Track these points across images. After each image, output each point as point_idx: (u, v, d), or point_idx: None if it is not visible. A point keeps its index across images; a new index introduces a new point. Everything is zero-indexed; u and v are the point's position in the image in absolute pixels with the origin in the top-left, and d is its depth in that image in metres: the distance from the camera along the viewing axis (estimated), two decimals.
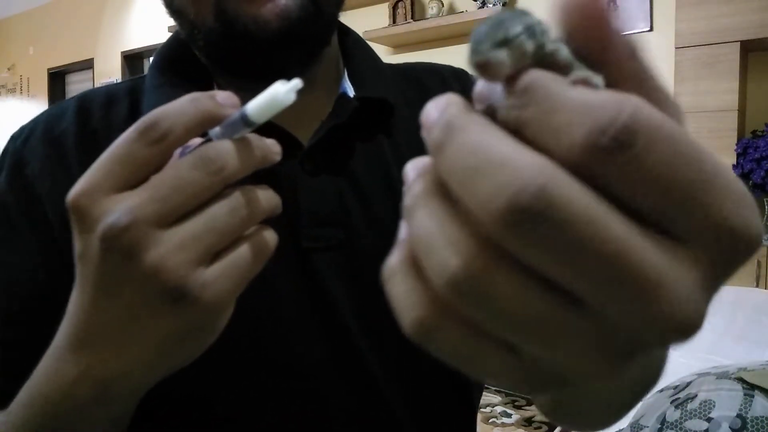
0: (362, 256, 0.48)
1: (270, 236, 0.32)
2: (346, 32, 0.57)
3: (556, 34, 0.17)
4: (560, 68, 0.17)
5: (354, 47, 0.56)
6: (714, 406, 0.83)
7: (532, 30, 0.17)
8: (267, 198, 0.32)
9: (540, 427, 2.31)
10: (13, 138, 0.50)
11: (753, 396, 0.81)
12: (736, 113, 2.36)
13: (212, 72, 0.51)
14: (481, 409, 2.39)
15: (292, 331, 0.46)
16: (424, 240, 0.17)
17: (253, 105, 0.28)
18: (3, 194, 0.47)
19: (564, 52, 0.17)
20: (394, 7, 3.39)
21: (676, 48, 2.46)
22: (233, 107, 0.30)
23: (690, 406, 0.86)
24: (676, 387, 0.95)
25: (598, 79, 0.17)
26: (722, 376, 0.89)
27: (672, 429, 0.85)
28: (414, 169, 0.19)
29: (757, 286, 2.26)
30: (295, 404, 0.46)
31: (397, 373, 0.49)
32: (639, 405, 0.98)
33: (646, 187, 0.15)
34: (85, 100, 0.51)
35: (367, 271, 0.46)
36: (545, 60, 0.17)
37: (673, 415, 0.87)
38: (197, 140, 0.30)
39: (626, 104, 0.15)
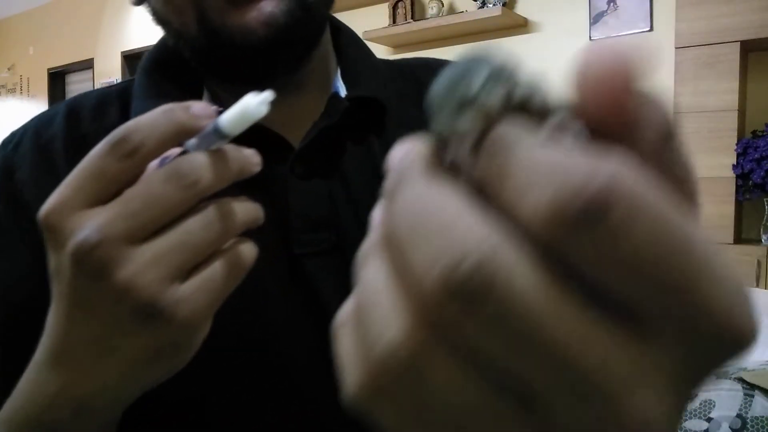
0: (354, 259, 0.47)
1: (248, 250, 0.31)
2: (338, 28, 0.56)
3: (527, 75, 0.15)
4: (536, 115, 0.15)
5: (347, 44, 0.55)
6: (714, 406, 0.83)
7: (496, 78, 0.15)
8: (245, 210, 0.31)
9: None
10: (4, 144, 0.50)
11: (753, 396, 0.81)
12: (736, 113, 2.36)
13: (202, 75, 0.50)
14: None
15: (284, 336, 0.46)
16: (367, 298, 0.16)
17: (226, 117, 0.27)
18: None
19: (538, 97, 0.15)
20: (394, 7, 3.39)
21: (676, 48, 2.46)
22: (208, 118, 0.29)
23: (690, 406, 0.86)
24: None
25: (576, 126, 0.14)
26: (722, 376, 0.89)
27: None
28: (377, 213, 0.17)
29: (757, 286, 2.26)
30: (287, 408, 0.46)
31: None
32: None
33: (617, 272, 0.13)
34: (75, 105, 0.51)
35: None
36: (518, 108, 0.15)
37: None
38: (177, 150, 0.29)
39: (602, 169, 0.13)
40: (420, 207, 0.14)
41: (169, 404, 0.43)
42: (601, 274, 0.13)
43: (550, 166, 0.13)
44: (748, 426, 0.79)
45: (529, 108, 0.15)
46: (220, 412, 0.45)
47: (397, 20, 3.38)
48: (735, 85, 2.35)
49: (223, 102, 0.49)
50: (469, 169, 0.15)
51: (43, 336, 0.31)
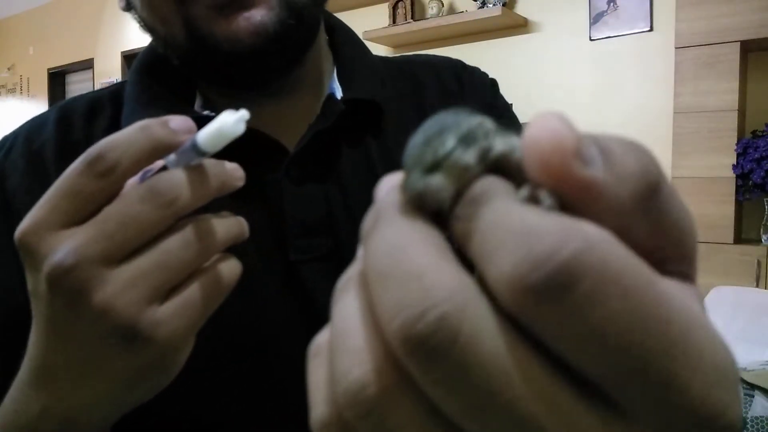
0: (350, 264, 0.46)
1: (231, 268, 0.30)
2: (333, 27, 0.55)
3: (505, 135, 0.15)
4: (514, 175, 0.14)
5: (343, 43, 0.54)
6: None
7: (471, 137, 0.14)
8: (226, 227, 0.30)
9: None
10: None
11: (753, 396, 0.81)
12: (736, 113, 2.36)
13: (194, 78, 0.50)
14: None
15: (280, 342, 0.45)
16: (339, 333, 0.15)
17: (203, 135, 0.27)
18: None
19: (516, 157, 0.15)
20: (394, 7, 3.39)
21: (676, 48, 2.46)
22: (188, 133, 0.28)
23: None
24: None
25: (545, 196, 0.14)
26: None
27: None
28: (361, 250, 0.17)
29: (757, 286, 2.26)
30: (283, 415, 0.46)
31: None
32: None
33: (582, 348, 0.12)
34: (67, 109, 0.50)
35: None
36: (493, 168, 0.15)
37: None
38: (159, 163, 0.28)
39: (574, 235, 0.12)
40: (393, 250, 0.14)
41: (164, 413, 0.42)
42: (565, 349, 0.12)
43: (518, 229, 0.12)
44: (748, 426, 0.79)
45: (506, 168, 0.15)
46: (217, 419, 0.45)
47: (397, 20, 3.38)
48: (735, 85, 2.35)
49: (216, 104, 0.49)
50: (451, 219, 0.15)
51: (26, 355, 0.31)
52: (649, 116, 2.69)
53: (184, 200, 0.27)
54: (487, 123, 0.15)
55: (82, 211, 0.27)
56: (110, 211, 0.27)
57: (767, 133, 2.37)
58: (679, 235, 0.15)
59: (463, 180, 0.14)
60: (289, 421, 0.46)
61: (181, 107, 0.45)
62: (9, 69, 6.14)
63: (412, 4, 3.36)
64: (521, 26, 3.10)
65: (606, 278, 0.12)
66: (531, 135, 0.13)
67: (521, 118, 0.56)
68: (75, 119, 0.49)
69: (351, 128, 0.49)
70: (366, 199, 0.56)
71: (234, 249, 0.31)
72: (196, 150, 0.27)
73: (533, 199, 0.14)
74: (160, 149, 0.28)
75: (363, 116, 0.50)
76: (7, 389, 0.33)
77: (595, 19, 2.88)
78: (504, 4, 3.02)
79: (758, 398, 0.81)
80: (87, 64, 5.42)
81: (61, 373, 0.29)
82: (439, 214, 0.15)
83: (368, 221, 0.16)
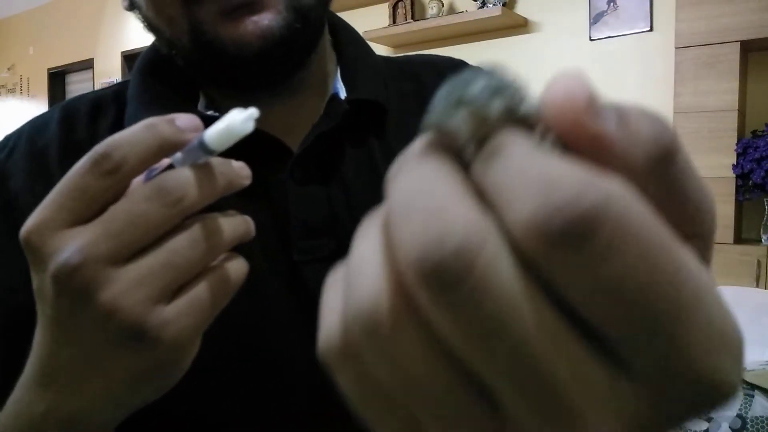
0: None
1: (237, 267, 0.30)
2: (337, 27, 0.55)
3: (534, 99, 0.15)
4: (536, 132, 0.15)
5: (346, 44, 0.54)
6: None
7: (498, 90, 0.15)
8: (233, 226, 0.30)
9: None
10: None
11: (753, 396, 0.81)
12: (736, 113, 2.36)
13: (198, 78, 0.49)
14: None
15: (284, 343, 0.45)
16: (356, 263, 0.16)
17: (210, 133, 0.26)
18: None
19: (538, 114, 0.15)
20: (394, 7, 3.39)
21: (676, 48, 2.46)
22: (194, 131, 0.28)
23: None
24: None
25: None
26: None
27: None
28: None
29: (757, 286, 2.26)
30: (286, 418, 0.46)
31: None
32: None
33: (594, 299, 0.13)
34: (70, 109, 0.50)
35: None
36: (520, 122, 0.15)
37: None
38: (166, 161, 0.28)
39: (596, 186, 0.12)
40: (415, 187, 0.14)
41: (167, 412, 0.42)
42: (577, 298, 0.13)
43: (541, 175, 0.13)
44: (748, 426, 0.79)
45: (531, 125, 0.15)
46: (220, 419, 0.45)
47: (397, 20, 3.38)
48: (735, 85, 2.35)
49: (219, 104, 0.49)
50: (472, 166, 0.15)
51: (30, 355, 0.30)
52: None
53: (191, 199, 0.27)
54: (517, 83, 0.15)
55: (88, 209, 0.27)
56: (117, 210, 0.26)
57: (767, 133, 2.37)
58: (694, 211, 0.15)
59: (484, 127, 0.15)
60: (293, 421, 0.46)
61: (185, 107, 0.45)
62: (9, 69, 6.14)
63: (412, 4, 3.36)
64: (521, 26, 3.10)
65: (624, 232, 0.12)
66: (549, 89, 0.14)
67: None
68: (78, 119, 0.49)
69: (354, 129, 0.49)
70: (369, 200, 0.57)
71: (238, 249, 0.31)
72: (204, 148, 0.27)
73: (557, 153, 0.14)
74: (167, 147, 0.27)
75: (366, 117, 0.50)
76: (8, 389, 0.33)
77: (595, 19, 2.89)
78: (504, 4, 3.02)
79: (758, 398, 0.81)
80: (87, 64, 5.42)
81: (66, 373, 0.29)
82: (462, 159, 0.15)
83: (394, 168, 0.16)
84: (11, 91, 6.14)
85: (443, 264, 0.13)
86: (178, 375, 0.30)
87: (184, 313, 0.27)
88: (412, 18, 3.33)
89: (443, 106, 0.15)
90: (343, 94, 0.50)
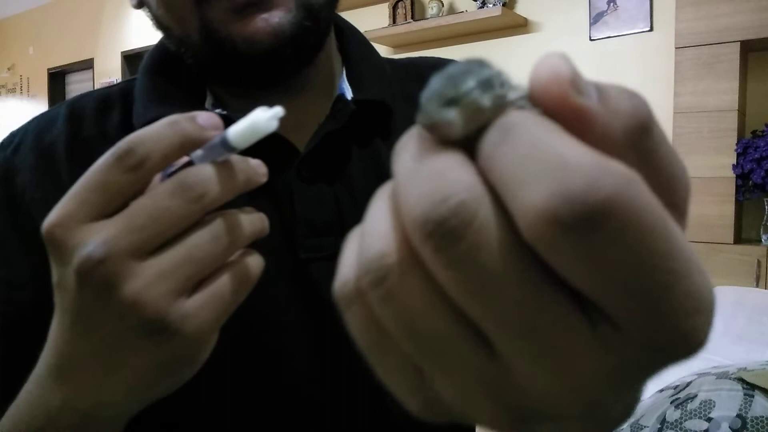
0: None
1: (255, 262, 0.31)
2: (342, 28, 0.55)
3: (521, 87, 0.16)
4: None
5: (352, 45, 0.55)
6: (714, 406, 0.83)
7: (488, 83, 0.15)
8: (251, 222, 0.30)
9: None
10: (3, 146, 0.49)
11: (753, 396, 0.81)
12: (736, 113, 2.36)
13: (205, 77, 0.50)
14: None
15: (289, 340, 0.46)
16: (369, 222, 0.17)
17: (234, 131, 0.27)
18: None
19: (526, 102, 0.16)
20: (394, 7, 3.39)
21: (676, 48, 2.46)
22: (215, 129, 0.28)
23: (690, 406, 0.86)
24: (675, 387, 0.95)
25: None
26: (722, 376, 0.89)
27: (672, 429, 0.85)
28: None
29: (757, 286, 2.26)
30: (292, 416, 0.46)
31: None
32: (639, 405, 0.98)
33: (593, 277, 0.13)
34: (77, 106, 0.50)
35: None
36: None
37: (673, 415, 0.87)
38: (184, 159, 0.28)
39: (610, 173, 0.13)
40: (418, 156, 0.16)
41: (175, 409, 0.43)
42: (574, 276, 0.14)
43: (552, 160, 0.13)
44: (748, 426, 0.79)
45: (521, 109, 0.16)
46: (224, 414, 0.45)
47: (397, 20, 3.38)
48: (735, 85, 2.35)
49: (226, 104, 0.49)
50: (479, 145, 0.15)
51: (45, 349, 0.30)
52: None
53: (213, 195, 0.27)
54: (503, 74, 0.16)
55: (110, 204, 0.27)
56: (140, 205, 0.27)
57: (767, 133, 2.37)
58: (669, 180, 0.16)
59: (476, 120, 0.15)
60: (297, 415, 0.46)
61: (193, 105, 0.45)
62: (9, 69, 6.14)
63: (412, 4, 3.36)
64: (521, 26, 3.10)
65: (633, 218, 0.13)
66: (536, 68, 0.15)
67: None
68: (85, 116, 0.49)
69: (360, 129, 0.50)
70: None
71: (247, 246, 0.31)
72: (226, 146, 0.27)
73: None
74: (188, 144, 0.28)
75: (372, 117, 0.50)
76: (12, 383, 0.33)
77: (595, 19, 2.88)
78: (504, 4, 3.02)
79: (758, 398, 0.81)
80: (87, 64, 5.42)
81: (86, 366, 0.29)
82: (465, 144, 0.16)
83: (399, 144, 0.17)
84: (11, 91, 6.14)
85: (446, 219, 0.14)
86: (195, 368, 0.31)
87: (204, 306, 0.28)
88: (412, 18, 3.33)
89: (435, 101, 0.15)
90: (349, 95, 0.51)
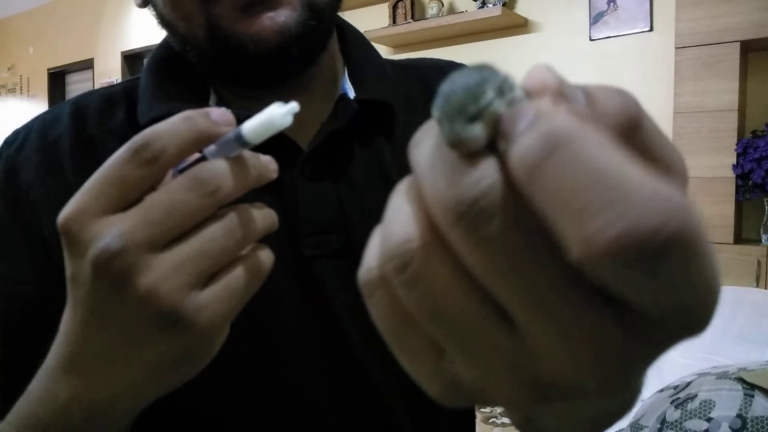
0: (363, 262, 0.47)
1: (266, 256, 0.31)
2: (343, 29, 0.56)
3: (519, 87, 0.16)
4: None
5: (354, 46, 0.55)
6: (714, 406, 0.83)
7: (502, 90, 0.15)
8: (263, 216, 0.31)
9: None
10: (7, 143, 0.49)
11: (753, 396, 0.81)
12: (736, 113, 2.36)
13: (209, 76, 0.50)
14: (481, 409, 2.39)
15: (293, 336, 0.46)
16: (393, 212, 0.18)
17: (249, 126, 0.27)
18: None
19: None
20: (394, 7, 3.39)
21: (676, 48, 2.46)
22: (228, 125, 0.29)
23: (690, 406, 0.86)
24: (676, 387, 0.95)
25: None
26: (722, 376, 0.89)
27: (672, 429, 0.85)
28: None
29: (757, 286, 2.26)
30: (293, 415, 0.46)
31: (397, 379, 0.48)
32: (638, 405, 0.98)
33: (635, 294, 0.14)
34: (81, 104, 0.50)
35: None
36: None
37: (673, 415, 0.87)
38: (195, 155, 0.29)
39: (676, 209, 0.13)
40: (442, 147, 0.16)
41: (180, 407, 0.43)
42: (614, 290, 0.14)
43: (616, 187, 0.13)
44: (748, 426, 0.79)
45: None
46: (227, 415, 0.45)
47: (397, 20, 3.38)
48: (735, 85, 2.35)
49: (229, 103, 0.49)
50: (511, 150, 0.15)
51: (56, 342, 0.31)
52: None
53: (227, 189, 0.28)
54: (510, 78, 0.16)
55: (126, 198, 0.27)
56: (155, 199, 0.27)
57: (767, 133, 2.37)
58: (666, 170, 0.16)
59: (493, 125, 0.15)
60: (299, 414, 0.46)
61: (197, 103, 0.46)
62: (9, 69, 6.14)
63: (412, 4, 3.36)
64: (521, 26, 3.10)
65: (689, 248, 0.13)
66: (526, 79, 0.16)
67: None
68: (90, 114, 0.49)
69: (363, 128, 0.50)
70: (378, 198, 0.57)
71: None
72: (240, 141, 0.27)
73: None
74: (202, 140, 0.28)
75: (374, 117, 0.50)
76: (14, 379, 0.33)
77: (595, 19, 2.89)
78: (504, 4, 3.02)
79: (758, 398, 0.81)
80: (87, 64, 5.42)
81: (98, 359, 0.29)
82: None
83: (416, 136, 0.18)
84: (11, 91, 6.14)
85: (477, 200, 0.15)
86: (206, 361, 0.31)
87: (217, 299, 0.28)
88: (412, 18, 3.33)
89: (459, 118, 0.15)
90: (351, 95, 0.51)
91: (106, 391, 0.30)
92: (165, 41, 0.51)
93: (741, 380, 0.85)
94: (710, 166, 2.36)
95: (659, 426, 0.88)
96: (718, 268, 0.15)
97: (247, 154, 0.29)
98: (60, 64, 5.65)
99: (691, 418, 0.84)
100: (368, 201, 0.48)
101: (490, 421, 2.35)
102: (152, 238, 0.27)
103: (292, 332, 0.46)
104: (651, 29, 2.75)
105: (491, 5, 3.05)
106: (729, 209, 2.35)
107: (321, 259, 0.46)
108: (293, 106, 0.27)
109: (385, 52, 3.45)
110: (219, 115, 0.29)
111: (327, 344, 0.47)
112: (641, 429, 0.91)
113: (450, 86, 0.16)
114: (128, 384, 0.30)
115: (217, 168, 0.28)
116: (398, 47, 3.47)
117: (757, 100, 2.53)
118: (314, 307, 0.46)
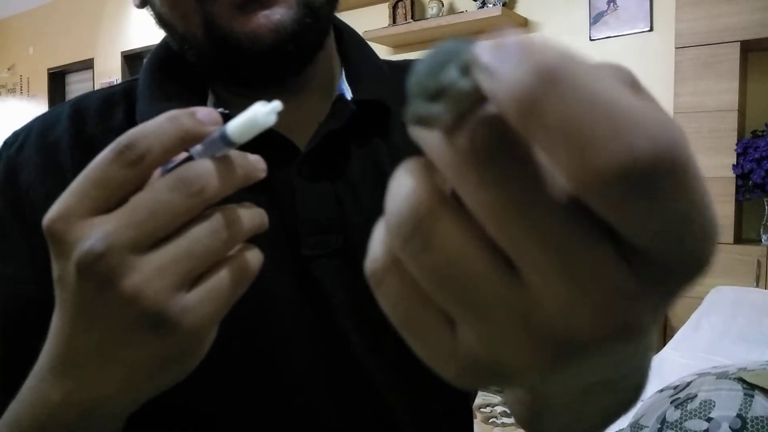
0: (361, 261, 0.46)
1: (254, 257, 0.31)
2: (341, 29, 0.56)
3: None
4: None
5: (351, 46, 0.55)
6: (714, 406, 0.83)
7: (467, 65, 0.15)
8: (250, 217, 0.30)
9: None
10: (7, 144, 0.49)
11: (753, 396, 0.81)
12: (736, 113, 2.36)
13: (207, 76, 0.50)
14: (481, 409, 2.39)
15: (291, 336, 0.46)
16: (394, 189, 0.17)
17: (233, 125, 0.27)
18: None
19: None
20: (394, 7, 3.39)
21: (676, 48, 2.46)
22: (214, 124, 0.28)
23: (690, 406, 0.86)
24: (676, 387, 0.95)
25: None
26: (722, 376, 0.89)
27: (672, 429, 0.85)
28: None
29: (757, 286, 2.26)
30: (291, 416, 0.46)
31: (397, 379, 0.48)
32: (639, 405, 0.98)
33: (640, 224, 0.14)
34: (80, 105, 0.50)
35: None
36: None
37: (673, 415, 0.87)
38: (183, 155, 0.29)
39: (674, 131, 0.13)
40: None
41: (175, 407, 0.43)
42: (618, 222, 0.14)
43: (621, 117, 0.13)
44: (748, 426, 0.79)
45: None
46: (224, 416, 0.45)
47: (397, 20, 3.38)
48: (735, 85, 2.35)
49: (228, 103, 0.49)
50: (495, 90, 0.15)
51: (46, 344, 0.31)
52: None
53: (213, 190, 0.28)
54: (479, 47, 0.15)
55: (111, 199, 0.27)
56: (140, 200, 0.27)
57: (767, 133, 2.37)
58: None
59: (465, 104, 0.15)
60: (297, 414, 0.46)
61: (196, 104, 0.46)
62: (9, 69, 6.14)
63: (412, 4, 3.36)
64: (521, 26, 3.10)
65: (688, 171, 0.13)
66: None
67: None
68: (89, 114, 0.49)
69: (360, 129, 0.50)
70: (375, 198, 0.57)
71: (247, 243, 0.31)
72: (225, 140, 0.27)
73: None
74: (188, 139, 0.28)
75: (371, 117, 0.51)
76: (14, 379, 0.33)
77: (595, 19, 2.89)
78: (504, 4, 3.02)
79: (758, 398, 0.81)
80: (87, 64, 5.42)
81: (87, 360, 0.29)
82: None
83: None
84: (11, 91, 6.14)
85: (497, 149, 0.15)
86: (195, 363, 0.31)
87: (204, 300, 0.28)
88: (412, 18, 3.33)
89: (420, 99, 0.15)
90: (348, 95, 0.51)
91: (97, 391, 0.30)
92: (164, 41, 0.51)
93: (741, 380, 0.85)
94: (710, 166, 2.36)
95: (659, 426, 0.88)
96: (713, 209, 0.15)
97: (234, 153, 0.29)
98: (60, 64, 5.65)
99: (691, 418, 0.84)
100: (366, 201, 0.48)
101: (490, 421, 2.35)
102: (137, 239, 0.27)
103: (291, 332, 0.46)
104: (651, 29, 2.75)
105: (491, 5, 3.05)
106: (729, 209, 2.35)
107: (320, 258, 0.46)
108: (276, 104, 0.27)
109: (385, 52, 3.45)
110: (205, 114, 0.28)
111: (326, 344, 0.47)
112: (641, 429, 0.91)
113: (420, 63, 0.15)
114: (118, 384, 0.30)
115: (202, 168, 0.28)
116: (398, 47, 3.47)
117: (757, 100, 2.54)
118: (313, 307, 0.46)
